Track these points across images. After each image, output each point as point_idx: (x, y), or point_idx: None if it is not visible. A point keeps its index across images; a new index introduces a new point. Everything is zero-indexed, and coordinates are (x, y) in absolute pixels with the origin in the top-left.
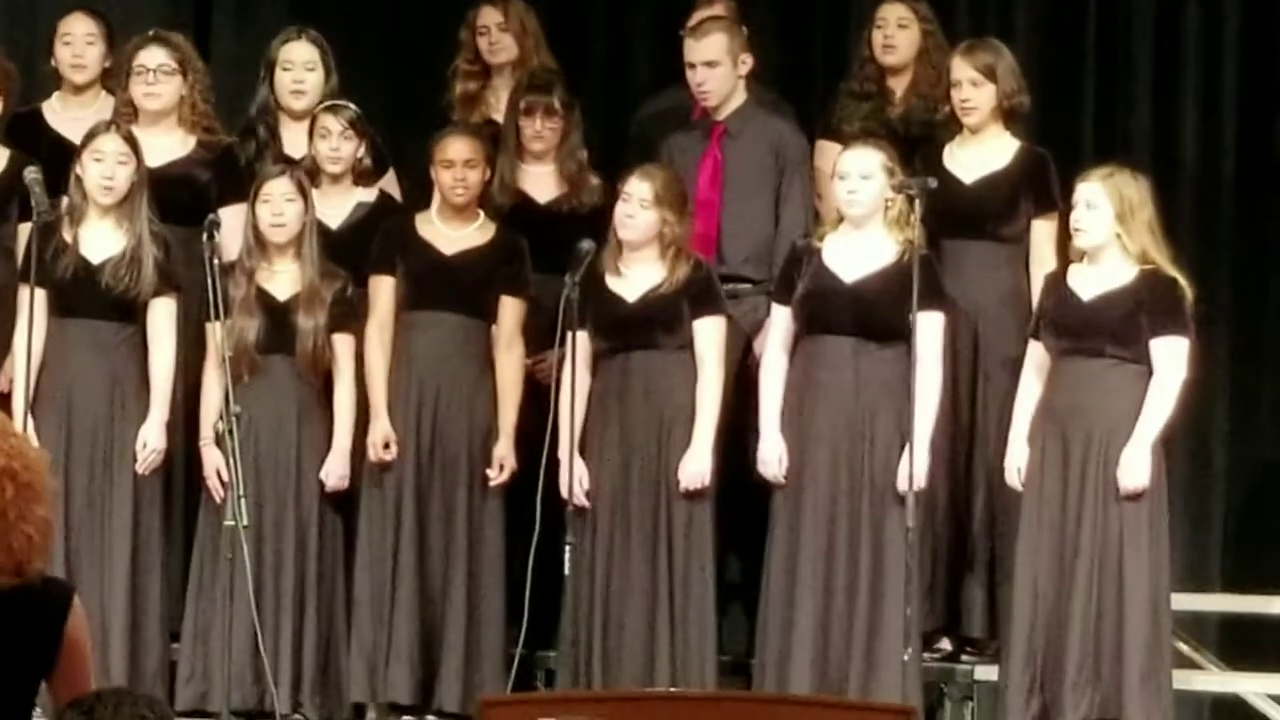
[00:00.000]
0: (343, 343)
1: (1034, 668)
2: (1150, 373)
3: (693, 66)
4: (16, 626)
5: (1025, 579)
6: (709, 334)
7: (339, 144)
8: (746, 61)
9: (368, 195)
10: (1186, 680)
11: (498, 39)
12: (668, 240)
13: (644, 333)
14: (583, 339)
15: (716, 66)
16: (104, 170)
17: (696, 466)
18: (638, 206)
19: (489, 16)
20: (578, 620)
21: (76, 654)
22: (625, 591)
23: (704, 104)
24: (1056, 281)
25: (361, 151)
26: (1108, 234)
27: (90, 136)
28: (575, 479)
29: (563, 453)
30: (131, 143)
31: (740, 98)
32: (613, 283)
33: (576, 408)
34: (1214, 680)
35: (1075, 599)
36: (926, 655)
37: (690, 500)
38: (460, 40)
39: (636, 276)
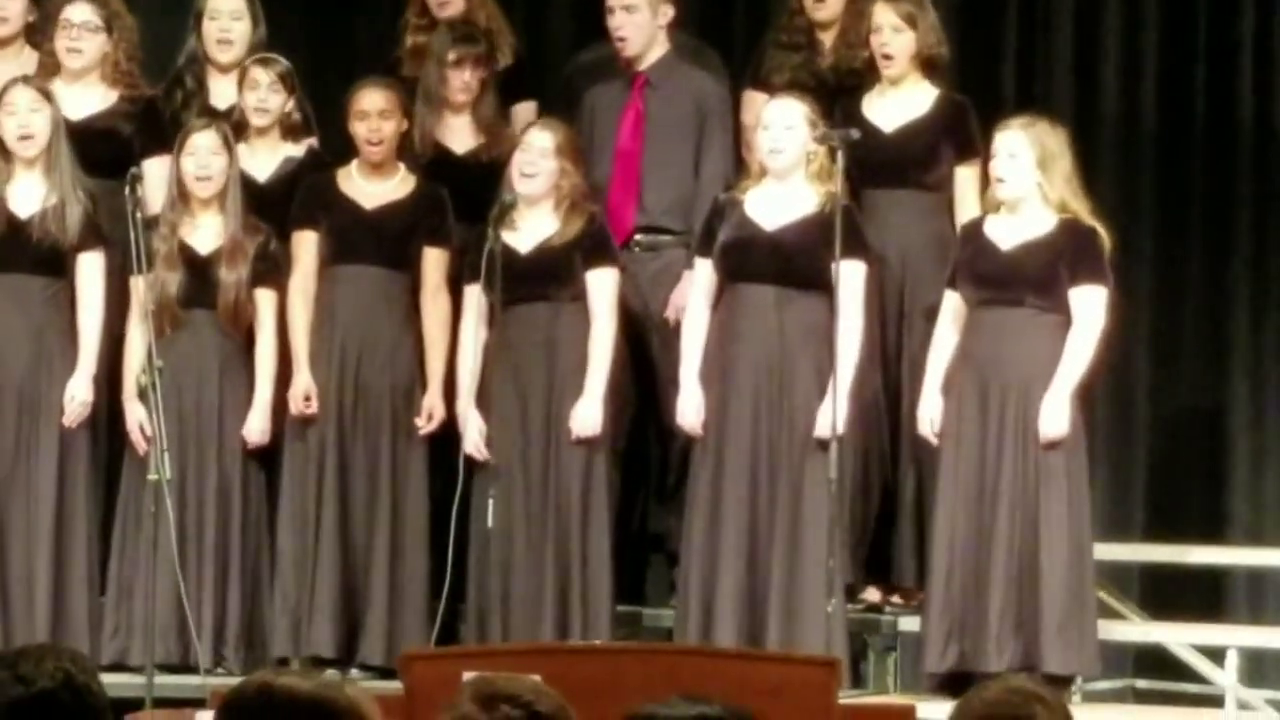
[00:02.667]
0: (265, 297)
1: (952, 617)
2: (1069, 322)
3: (611, 11)
4: None
5: (943, 528)
6: (602, 286)
7: (267, 96)
8: (667, 13)
9: (296, 150)
10: (1108, 630)
11: None
12: (564, 192)
13: (537, 284)
14: (477, 291)
15: (635, 12)
16: (19, 121)
17: (588, 416)
18: (538, 156)
19: None
20: (482, 572)
21: None
22: (522, 541)
23: (622, 52)
24: (973, 231)
25: (290, 106)
26: (1030, 183)
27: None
28: (474, 430)
29: (460, 406)
30: (43, 92)
31: (662, 49)
32: (506, 235)
33: (472, 361)
34: (1135, 630)
35: (996, 549)
36: (850, 606)
37: (584, 449)
38: None
39: (530, 228)
